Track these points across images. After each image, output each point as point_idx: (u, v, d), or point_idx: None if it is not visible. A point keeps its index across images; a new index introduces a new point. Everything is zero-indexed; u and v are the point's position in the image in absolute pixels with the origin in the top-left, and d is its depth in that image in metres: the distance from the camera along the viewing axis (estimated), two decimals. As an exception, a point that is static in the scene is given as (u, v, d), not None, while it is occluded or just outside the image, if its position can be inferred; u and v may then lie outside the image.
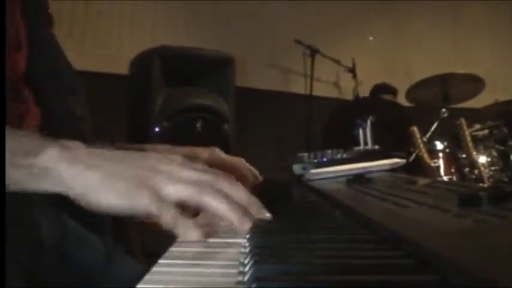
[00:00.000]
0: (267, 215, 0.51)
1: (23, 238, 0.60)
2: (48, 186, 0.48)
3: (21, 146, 0.48)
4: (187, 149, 0.89)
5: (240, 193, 0.50)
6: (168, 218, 0.46)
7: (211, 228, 0.49)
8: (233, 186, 0.51)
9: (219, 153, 0.89)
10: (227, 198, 0.48)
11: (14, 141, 0.49)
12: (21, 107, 0.65)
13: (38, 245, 0.62)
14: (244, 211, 0.49)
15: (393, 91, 3.63)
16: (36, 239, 0.62)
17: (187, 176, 0.49)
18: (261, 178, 0.91)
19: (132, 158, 0.51)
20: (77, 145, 0.51)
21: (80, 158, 0.49)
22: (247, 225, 0.47)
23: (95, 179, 0.48)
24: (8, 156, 0.47)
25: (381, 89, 3.65)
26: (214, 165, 0.87)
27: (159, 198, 0.47)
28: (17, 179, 0.48)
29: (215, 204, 0.47)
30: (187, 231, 0.46)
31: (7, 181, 0.47)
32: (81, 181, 0.48)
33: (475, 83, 2.79)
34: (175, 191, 0.48)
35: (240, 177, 0.88)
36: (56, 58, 0.76)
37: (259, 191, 0.71)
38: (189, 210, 0.49)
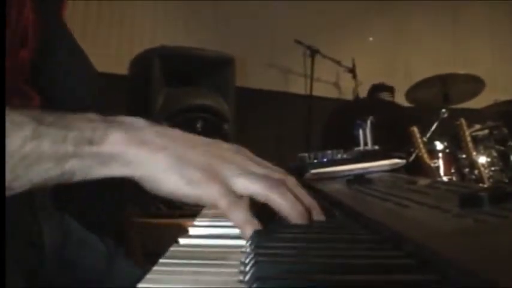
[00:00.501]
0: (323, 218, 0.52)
1: (24, 240, 0.60)
2: (116, 171, 0.47)
3: (83, 134, 0.46)
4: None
5: (304, 195, 0.51)
6: (238, 216, 0.46)
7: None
8: (298, 188, 0.52)
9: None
10: (293, 198, 0.49)
11: (74, 129, 0.46)
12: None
13: (39, 247, 0.62)
14: (307, 214, 0.50)
15: (391, 89, 3.65)
16: (38, 241, 0.62)
17: (257, 170, 0.49)
18: None
19: (201, 143, 0.50)
20: (141, 123, 0.49)
21: (147, 138, 0.47)
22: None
23: (166, 161, 0.46)
24: (71, 148, 0.45)
25: (378, 88, 3.66)
26: None
27: (229, 191, 0.46)
28: (84, 168, 0.46)
29: (281, 202, 0.48)
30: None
31: (73, 170, 0.46)
32: (151, 163, 0.46)
33: (475, 83, 2.79)
34: (244, 184, 0.47)
35: None
36: (68, 53, 0.75)
37: None
38: (254, 202, 0.49)
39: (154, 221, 2.22)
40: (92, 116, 0.49)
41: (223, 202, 0.45)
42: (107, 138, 0.46)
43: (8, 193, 0.45)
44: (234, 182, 0.47)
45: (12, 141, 0.44)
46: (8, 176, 0.44)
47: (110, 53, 3.37)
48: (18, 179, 0.45)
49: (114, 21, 3.49)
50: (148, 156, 0.46)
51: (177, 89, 2.59)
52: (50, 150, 0.45)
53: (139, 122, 0.50)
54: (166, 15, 3.69)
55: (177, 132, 0.50)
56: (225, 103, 2.65)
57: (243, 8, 3.78)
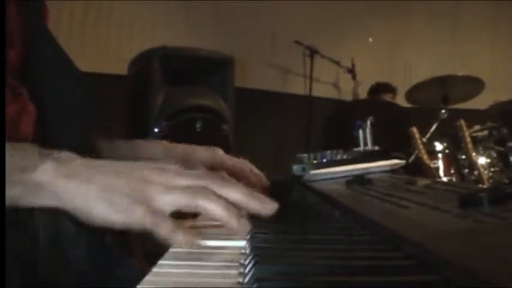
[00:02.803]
0: (274, 206, 0.50)
1: (18, 238, 0.60)
2: (44, 201, 0.48)
3: (17, 162, 0.48)
4: (186, 148, 0.88)
5: (237, 193, 0.50)
6: (163, 232, 0.46)
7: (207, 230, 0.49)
8: (230, 187, 0.50)
9: (221, 154, 0.88)
10: (222, 200, 0.48)
11: (10, 157, 0.48)
12: (17, 104, 0.65)
13: (34, 246, 0.62)
14: (241, 213, 0.49)
15: (393, 91, 3.61)
16: (32, 239, 0.62)
17: (180, 184, 0.49)
18: (265, 180, 0.89)
19: (125, 170, 0.51)
20: (72, 157, 0.51)
21: (75, 171, 0.49)
22: (244, 227, 0.47)
23: (90, 193, 0.48)
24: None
25: (380, 88, 3.63)
26: (215, 168, 0.87)
27: (154, 211, 0.47)
28: (13, 195, 0.48)
29: (210, 207, 0.47)
30: (182, 242, 0.46)
31: (5, 197, 0.47)
32: (77, 195, 0.48)
33: (474, 84, 2.79)
34: (170, 200, 0.48)
35: (242, 179, 0.88)
36: (52, 52, 0.76)
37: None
38: (188, 214, 0.49)
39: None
40: (28, 145, 0.51)
41: (147, 222, 0.46)
42: (37, 168, 0.48)
43: None
44: (159, 202, 0.48)
45: None
46: None
47: (110, 53, 3.37)
48: None
49: (114, 21, 3.49)
50: (73, 188, 0.48)
51: (177, 89, 2.59)
52: None
53: (70, 155, 0.51)
54: (166, 15, 3.69)
55: (102, 162, 0.52)
56: (225, 103, 2.65)
57: (243, 7, 3.78)
